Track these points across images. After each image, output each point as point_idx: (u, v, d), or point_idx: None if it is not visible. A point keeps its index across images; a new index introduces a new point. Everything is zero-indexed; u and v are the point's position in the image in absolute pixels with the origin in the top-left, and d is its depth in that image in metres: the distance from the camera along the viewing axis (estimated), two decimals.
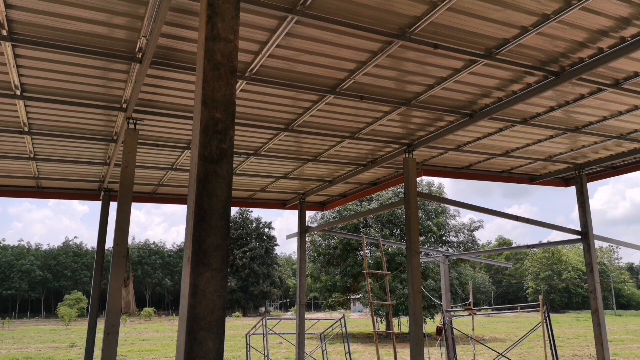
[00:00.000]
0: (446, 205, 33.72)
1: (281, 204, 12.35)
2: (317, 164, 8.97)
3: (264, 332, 12.79)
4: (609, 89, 5.77)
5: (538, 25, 4.43)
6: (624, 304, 78.98)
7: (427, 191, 32.36)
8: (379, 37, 4.60)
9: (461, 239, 34.05)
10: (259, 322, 13.37)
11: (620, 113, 6.69)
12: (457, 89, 5.86)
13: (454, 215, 34.12)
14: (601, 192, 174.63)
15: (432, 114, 6.62)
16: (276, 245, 75.65)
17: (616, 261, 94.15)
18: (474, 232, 34.59)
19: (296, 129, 7.09)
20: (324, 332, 14.12)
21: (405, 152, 7.88)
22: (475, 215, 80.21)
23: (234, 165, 9.02)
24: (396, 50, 4.88)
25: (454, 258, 30.18)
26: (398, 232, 32.09)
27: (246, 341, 13.71)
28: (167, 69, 5.10)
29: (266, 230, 75.08)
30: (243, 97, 5.95)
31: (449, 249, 31.68)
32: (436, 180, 34.59)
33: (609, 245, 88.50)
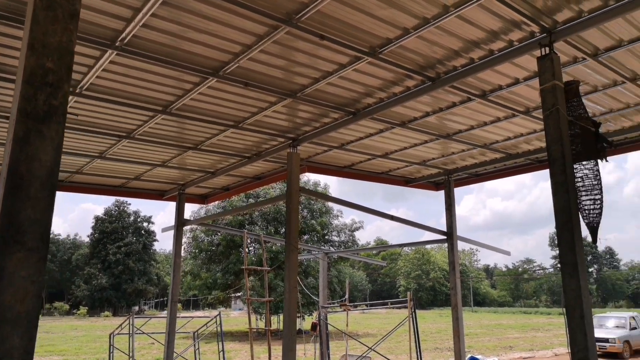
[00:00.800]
0: (330, 206, 34.71)
1: (158, 195, 11.59)
2: (198, 153, 8.52)
3: (130, 332, 11.88)
4: (477, 99, 6.24)
5: (419, 28, 4.59)
6: (480, 301, 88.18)
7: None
8: (266, 20, 4.42)
9: (342, 239, 35.27)
10: (125, 321, 12.40)
11: (485, 124, 7.30)
12: (342, 85, 5.90)
13: (337, 216, 35.26)
14: (466, 200, 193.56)
15: (318, 109, 6.61)
16: (155, 240, 71.70)
17: (475, 263, 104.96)
18: (354, 233, 36.09)
19: (175, 112, 6.62)
20: (197, 330, 13.55)
21: (290, 147, 7.81)
22: (357, 217, 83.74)
23: (104, 149, 8.21)
24: (283, 37, 4.74)
25: (334, 256, 31.19)
26: (283, 230, 32.24)
27: (110, 342, 12.64)
28: None
29: (145, 224, 70.84)
30: (113, 70, 5.37)
31: (331, 247, 32.58)
32: (322, 181, 35.45)
33: (470, 248, 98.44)
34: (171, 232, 11.17)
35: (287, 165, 7.73)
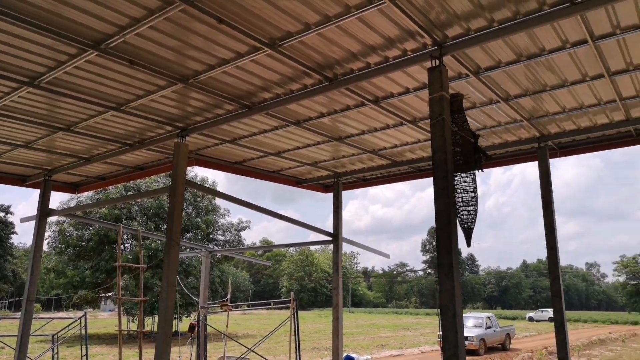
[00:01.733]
0: (217, 204, 33.77)
1: (19, 180, 10.23)
2: (71, 135, 7.66)
3: None
4: (370, 104, 6.41)
5: (320, 25, 4.56)
6: (357, 302, 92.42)
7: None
8: None
9: (228, 238, 34.51)
10: None
11: (376, 129, 7.55)
12: (239, 76, 5.67)
13: (224, 215, 34.44)
14: (351, 205, 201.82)
15: (211, 98, 6.29)
16: (13, 233, 63.73)
17: (355, 265, 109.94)
18: (240, 232, 35.50)
19: (45, 86, 5.84)
20: (57, 333, 12.20)
21: (178, 137, 7.34)
22: (245, 217, 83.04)
23: None
24: (178, 15, 4.40)
25: (218, 256, 30.39)
26: (165, 226, 30.63)
27: None
28: None
29: (2, 214, 62.67)
30: None
31: (215, 246, 31.67)
32: (210, 178, 34.45)
33: (351, 251, 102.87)
34: (33, 224, 9.90)
35: (174, 157, 7.26)
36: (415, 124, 7.18)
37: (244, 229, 35.77)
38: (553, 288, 7.14)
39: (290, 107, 6.62)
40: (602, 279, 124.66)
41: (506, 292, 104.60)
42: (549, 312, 59.97)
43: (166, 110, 6.73)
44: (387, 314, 74.34)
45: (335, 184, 10.33)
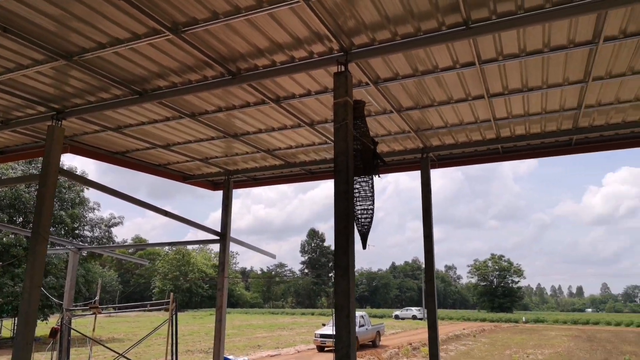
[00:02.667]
0: (86, 196, 30.95)
1: None
2: None
3: None
4: (271, 103, 6.34)
5: (230, 15, 4.38)
6: (234, 302, 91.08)
7: (66, 178, 28.85)
8: None
9: (97, 234, 31.78)
10: None
11: (273, 129, 7.50)
12: (133, 59, 5.22)
13: (93, 209, 31.66)
14: (233, 204, 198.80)
15: (97, 80, 5.71)
16: None
17: (233, 265, 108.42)
18: (111, 229, 32.89)
19: None
20: None
21: (53, 119, 6.55)
22: (117, 211, 77.08)
23: None
24: None
25: (84, 253, 27.78)
26: (21, 219, 27.23)
27: None
28: None
29: None
30: None
31: (81, 243, 28.90)
32: (79, 168, 31.40)
33: (231, 251, 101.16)
34: None
35: (47, 141, 6.45)
36: (313, 126, 7.27)
37: (115, 224, 33.23)
38: (428, 289, 7.71)
39: (187, 98, 6.28)
40: (457, 280, 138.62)
41: (376, 292, 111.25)
42: (413, 311, 65.12)
43: (41, 88, 5.96)
44: (264, 314, 74.48)
45: (225, 181, 10.06)
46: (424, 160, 8.33)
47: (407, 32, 4.69)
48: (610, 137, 7.82)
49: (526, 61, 5.30)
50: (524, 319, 60.43)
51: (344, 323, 4.15)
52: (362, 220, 4.55)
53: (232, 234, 10.03)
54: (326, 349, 23.32)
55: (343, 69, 4.86)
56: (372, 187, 4.63)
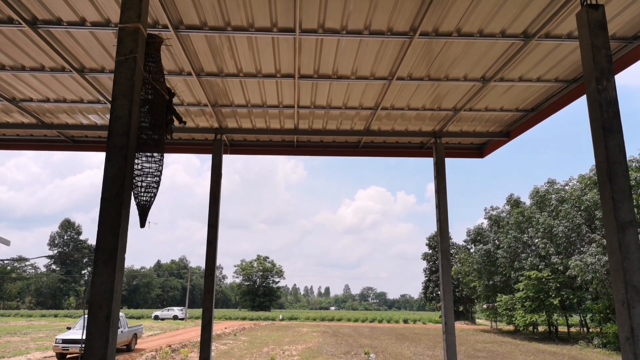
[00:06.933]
0: None
1: None
2: None
3: None
4: (24, 25, 4.59)
5: None
6: None
7: None
8: None
9: None
10: None
11: (23, 68, 5.58)
12: None
13: None
14: None
15: None
16: None
17: None
18: None
19: None
20: None
21: None
22: None
23: None
24: None
25: None
26: None
27: None
28: None
29: None
30: None
31: None
32: None
33: None
34: None
35: None
36: (83, 74, 5.65)
37: None
38: (207, 285, 6.83)
39: None
40: (222, 280, 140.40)
41: (136, 291, 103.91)
42: (174, 311, 62.78)
43: None
44: None
45: None
46: (216, 142, 7.47)
47: None
48: (391, 144, 8.32)
49: (345, 41, 4.98)
50: (280, 317, 64.32)
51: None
52: (144, 190, 3.43)
53: None
54: (68, 356, 20.00)
55: None
56: (162, 152, 3.55)
